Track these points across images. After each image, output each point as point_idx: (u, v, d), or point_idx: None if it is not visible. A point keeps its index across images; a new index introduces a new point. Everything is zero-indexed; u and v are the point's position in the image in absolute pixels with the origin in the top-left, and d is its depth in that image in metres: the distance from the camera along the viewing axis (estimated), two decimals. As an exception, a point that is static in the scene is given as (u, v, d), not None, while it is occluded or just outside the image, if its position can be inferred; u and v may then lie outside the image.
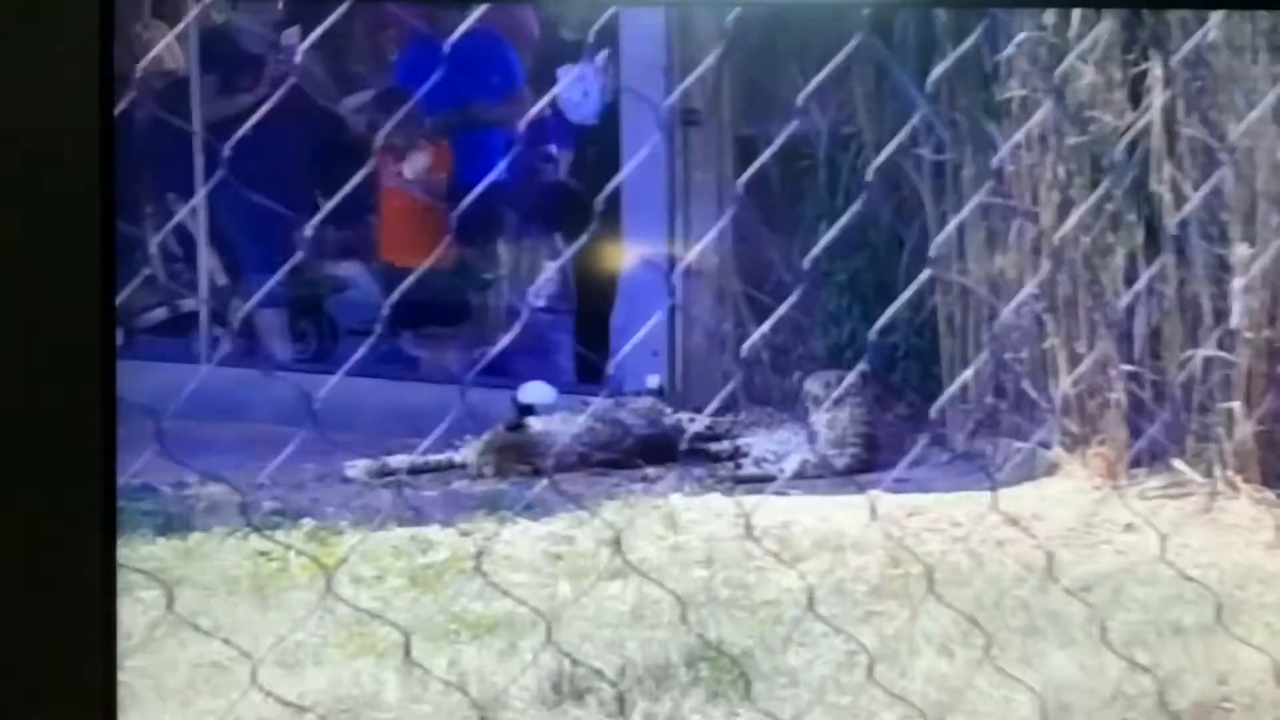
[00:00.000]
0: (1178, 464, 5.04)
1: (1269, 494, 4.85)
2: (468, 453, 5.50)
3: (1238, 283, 4.95)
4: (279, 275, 4.44)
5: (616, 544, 3.58)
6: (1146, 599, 4.05)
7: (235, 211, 6.35)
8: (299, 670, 3.60)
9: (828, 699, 3.49)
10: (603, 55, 6.30)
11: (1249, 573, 4.24)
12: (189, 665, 3.53)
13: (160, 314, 6.69)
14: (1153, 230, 5.12)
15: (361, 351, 2.66)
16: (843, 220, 2.50)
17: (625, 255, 5.99)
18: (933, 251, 4.89)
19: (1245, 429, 4.93)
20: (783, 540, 4.54)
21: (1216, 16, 4.56)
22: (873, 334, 4.08)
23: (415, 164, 6.46)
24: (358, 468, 5.28)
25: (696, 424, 5.63)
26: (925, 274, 3.86)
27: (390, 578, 4.26)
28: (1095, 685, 3.54)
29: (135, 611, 2.94)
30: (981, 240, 5.44)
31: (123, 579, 1.10)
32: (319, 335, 6.55)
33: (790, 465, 5.47)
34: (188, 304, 6.66)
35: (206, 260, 6.70)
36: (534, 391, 5.61)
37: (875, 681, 3.21)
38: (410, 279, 2.62)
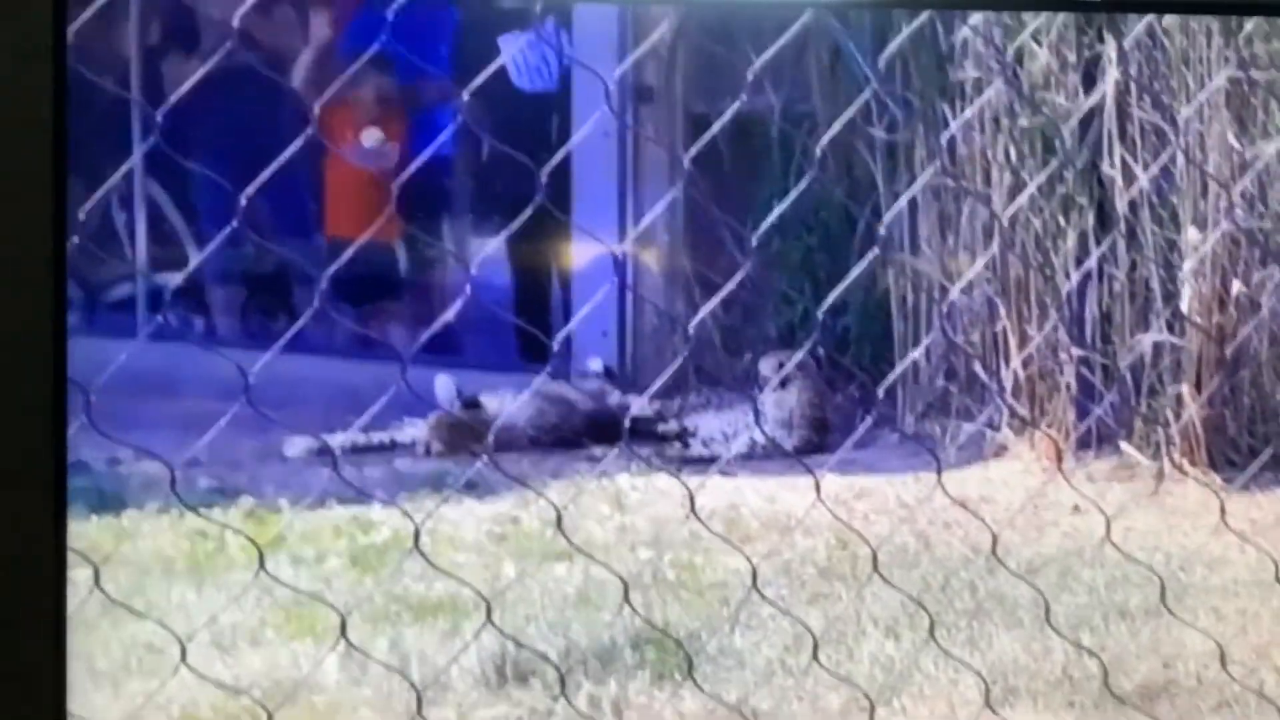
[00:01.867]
0: (1125, 447, 5.04)
1: (1216, 478, 4.86)
2: (416, 431, 5.44)
3: (1188, 266, 4.95)
4: (212, 247, 4.36)
5: (558, 526, 3.54)
6: (1093, 581, 4.04)
7: (197, 184, 6.28)
8: (234, 652, 3.55)
9: (774, 681, 3.47)
10: (550, 25, 6.23)
11: (1195, 556, 4.25)
12: (122, 647, 3.47)
13: (126, 289, 6.62)
14: (1104, 213, 5.12)
15: (297, 326, 2.60)
16: (792, 195, 2.46)
17: (574, 232, 5.94)
18: (882, 229, 4.86)
19: (1193, 413, 4.93)
20: (730, 522, 4.51)
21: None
22: (820, 312, 4.03)
23: (369, 138, 6.37)
24: (296, 446, 5.21)
25: (643, 405, 5.59)
26: (873, 252, 3.82)
27: (330, 558, 4.21)
28: (1041, 668, 3.53)
29: (67, 592, 2.87)
30: (934, 222, 5.43)
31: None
32: (289, 313, 6.45)
33: (738, 446, 5.44)
34: (157, 279, 6.59)
35: (158, 233, 6.62)
36: (443, 387, 5.54)
37: (819, 662, 3.18)
38: (349, 252, 2.56)
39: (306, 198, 6.46)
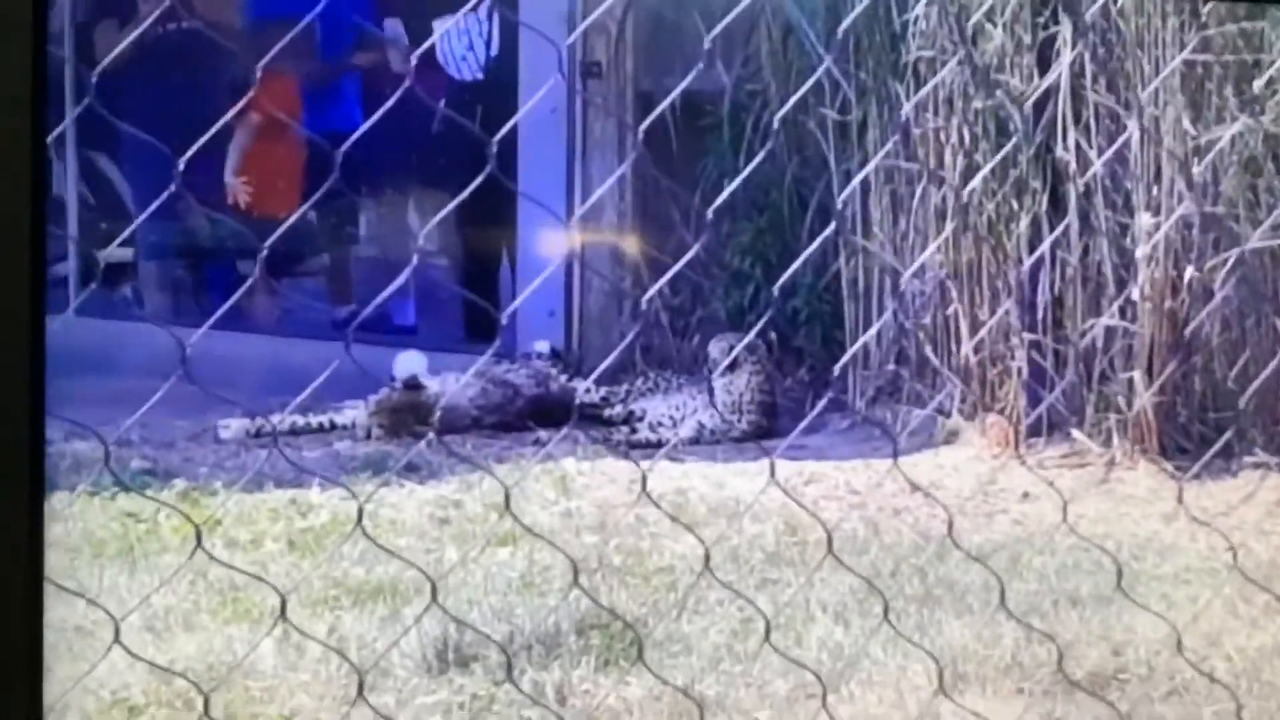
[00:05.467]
0: (1076, 434, 5.01)
1: (1167, 465, 4.84)
2: (356, 413, 5.32)
3: (1141, 251, 4.92)
4: (142, 217, 4.23)
5: (506, 506, 3.45)
6: (1043, 568, 4.00)
7: (132, 154, 6.15)
8: (168, 636, 3.44)
9: (721, 667, 3.40)
10: (486, 5, 6.15)
11: (1146, 544, 4.22)
12: (50, 630, 3.35)
13: (70, 265, 6.49)
14: (1057, 197, 5.09)
15: (230, 302, 2.49)
16: (751, 166, 2.38)
17: (521, 210, 5.85)
18: (840, 204, 4.79)
19: (1145, 399, 4.91)
20: (678, 507, 4.44)
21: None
22: (775, 291, 3.97)
23: (275, 105, 6.17)
24: (231, 428, 5.09)
25: (589, 387, 5.51)
26: (831, 227, 3.76)
27: (267, 541, 4.10)
28: (991, 654, 3.48)
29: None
30: (885, 204, 5.38)
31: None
32: (226, 289, 6.31)
33: (686, 430, 5.38)
34: (104, 255, 6.45)
35: (97, 206, 6.50)
36: (408, 363, 5.43)
37: (771, 645, 3.11)
38: (281, 229, 2.45)
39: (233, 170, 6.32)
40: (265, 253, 2.50)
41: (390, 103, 2.21)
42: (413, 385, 5.35)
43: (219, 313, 2.63)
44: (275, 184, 6.28)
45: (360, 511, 3.16)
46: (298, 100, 6.30)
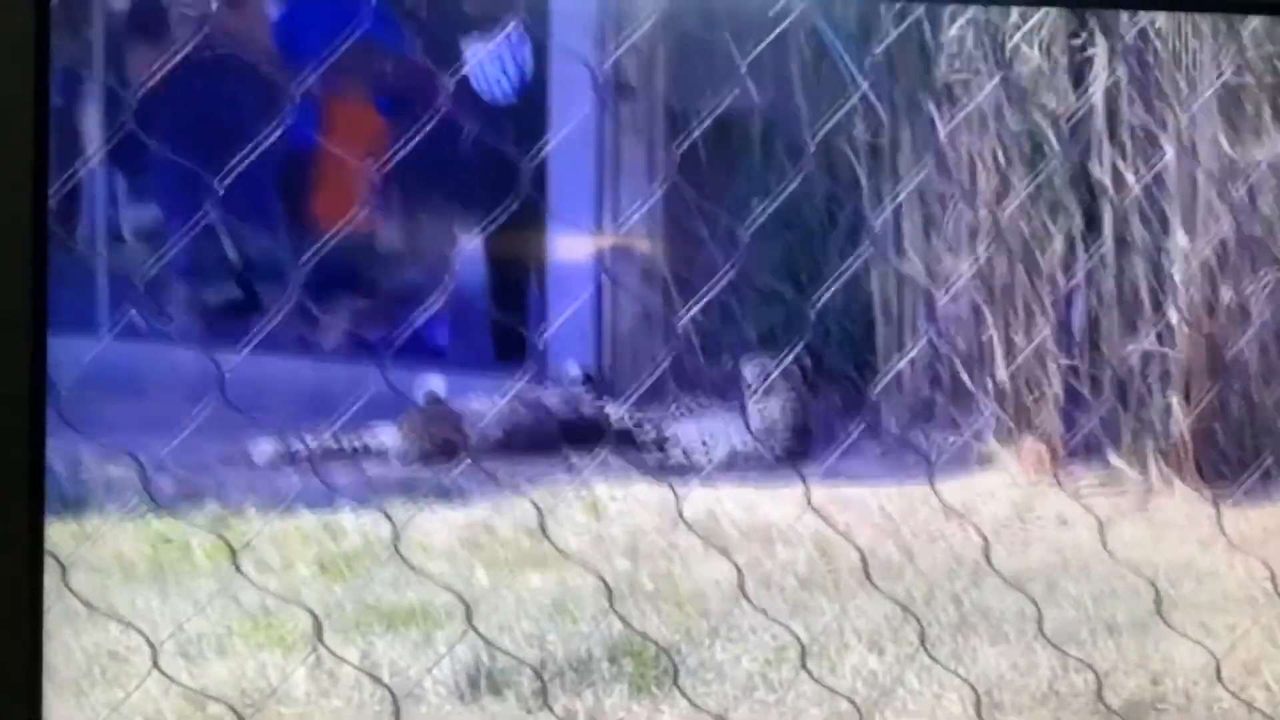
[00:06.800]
0: (1113, 459, 4.97)
1: (1206, 491, 4.79)
2: (388, 436, 5.31)
3: (1178, 273, 4.89)
4: (178, 239, 4.23)
5: (542, 530, 3.44)
6: (1079, 595, 3.97)
7: (164, 178, 6.17)
8: (201, 661, 3.43)
9: (755, 695, 3.37)
10: (516, 27, 6.13)
11: (1184, 570, 4.18)
12: (84, 655, 3.35)
13: (102, 288, 6.51)
14: (1093, 218, 5.05)
15: (269, 323, 2.48)
16: (789, 185, 2.36)
17: (552, 231, 5.85)
18: (877, 226, 4.77)
19: (1183, 424, 4.87)
20: (709, 531, 4.42)
21: None
22: (813, 312, 3.94)
23: (343, 124, 6.18)
24: (264, 452, 5.08)
25: (621, 411, 5.49)
26: (868, 248, 3.74)
27: (299, 565, 4.09)
28: (1027, 683, 3.46)
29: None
30: (918, 224, 5.35)
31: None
32: (258, 311, 6.32)
33: (719, 454, 5.35)
34: (139, 277, 6.47)
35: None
36: (432, 384, 5.45)
37: (808, 671, 3.09)
38: (320, 244, 2.44)
39: (284, 187, 6.33)
40: (302, 275, 2.49)
41: (427, 126, 2.20)
42: (434, 400, 5.35)
43: (257, 334, 2.62)
44: (342, 201, 6.27)
45: (396, 534, 3.15)
46: (374, 120, 6.27)
